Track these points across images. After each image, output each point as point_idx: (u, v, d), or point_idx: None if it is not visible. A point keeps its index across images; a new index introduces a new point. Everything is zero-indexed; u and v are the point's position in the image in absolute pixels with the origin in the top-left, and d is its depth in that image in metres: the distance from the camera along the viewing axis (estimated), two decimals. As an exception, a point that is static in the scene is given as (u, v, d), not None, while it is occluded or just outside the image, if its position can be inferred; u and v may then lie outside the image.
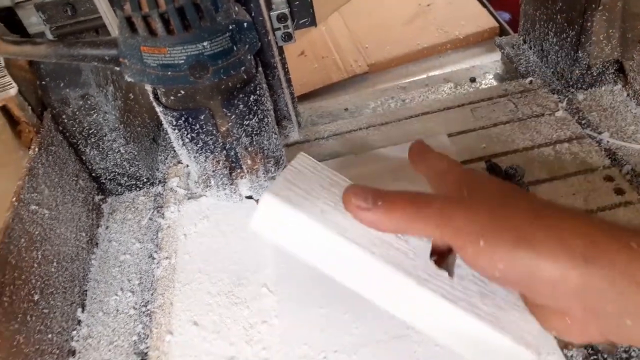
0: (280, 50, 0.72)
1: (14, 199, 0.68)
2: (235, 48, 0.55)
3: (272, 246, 0.73)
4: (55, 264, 0.73)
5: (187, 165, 0.84)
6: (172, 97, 0.57)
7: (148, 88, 0.61)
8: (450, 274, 0.43)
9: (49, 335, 0.68)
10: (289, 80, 0.75)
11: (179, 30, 0.51)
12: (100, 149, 0.85)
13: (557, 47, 0.92)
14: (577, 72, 0.88)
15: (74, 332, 0.73)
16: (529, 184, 0.76)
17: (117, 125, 0.83)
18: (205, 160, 0.62)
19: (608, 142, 0.81)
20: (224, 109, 0.57)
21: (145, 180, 0.91)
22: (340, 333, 0.62)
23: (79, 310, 0.76)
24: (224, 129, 0.59)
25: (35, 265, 0.69)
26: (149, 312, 0.72)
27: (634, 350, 0.56)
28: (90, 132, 0.83)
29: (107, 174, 0.89)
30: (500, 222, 0.38)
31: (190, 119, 0.57)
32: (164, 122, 0.61)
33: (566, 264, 0.34)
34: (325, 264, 0.45)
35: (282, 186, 0.46)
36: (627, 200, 0.72)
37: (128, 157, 0.87)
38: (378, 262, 0.42)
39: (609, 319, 0.35)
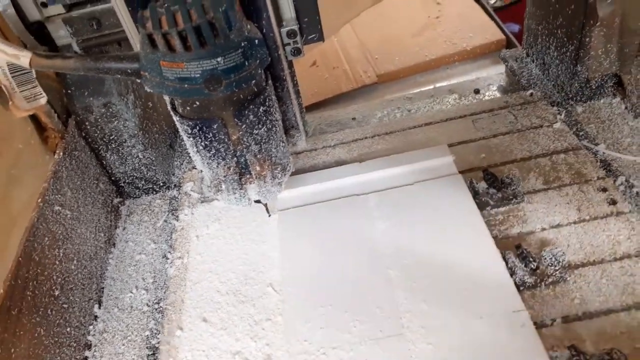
0: (290, 64, 0.76)
1: (39, 199, 0.73)
2: (246, 63, 0.59)
3: (278, 249, 0.77)
4: (75, 262, 0.78)
5: (201, 171, 0.88)
6: (187, 108, 0.62)
7: (166, 98, 0.66)
8: None
9: (68, 329, 0.72)
10: (297, 92, 0.79)
11: (196, 46, 0.55)
12: (120, 154, 0.90)
13: (557, 61, 0.95)
14: (576, 85, 0.92)
15: (91, 327, 0.77)
16: (525, 194, 0.80)
17: (136, 132, 0.88)
18: (217, 166, 0.66)
19: (604, 153, 0.84)
20: (236, 119, 0.62)
21: (161, 184, 0.96)
22: (339, 331, 0.66)
23: (96, 306, 0.80)
24: (235, 137, 0.64)
25: (57, 262, 0.74)
26: (161, 309, 0.77)
27: (615, 353, 0.59)
28: (111, 138, 0.88)
29: (125, 177, 0.94)
30: None
31: (205, 128, 0.62)
32: (180, 130, 0.65)
33: None
34: None
35: None
36: (619, 210, 0.75)
37: (146, 162, 0.92)
38: None
39: None
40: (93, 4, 0.76)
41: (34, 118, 0.78)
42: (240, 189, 0.66)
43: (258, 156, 0.66)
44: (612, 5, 0.81)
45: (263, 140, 0.66)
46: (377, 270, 0.71)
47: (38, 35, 0.77)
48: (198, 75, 0.57)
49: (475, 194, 0.79)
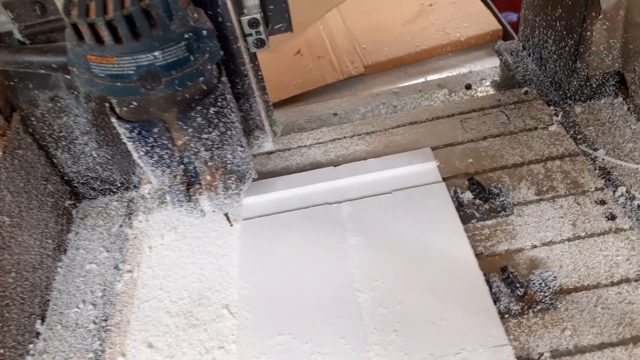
0: (253, 57, 0.68)
1: (-31, 207, 0.65)
2: (192, 58, 0.51)
3: (237, 263, 0.70)
4: (13, 273, 0.70)
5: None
6: (124, 108, 0.54)
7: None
8: None
9: (0, 351, 0.65)
10: (263, 89, 0.71)
11: (128, 39, 0.47)
12: (72, 153, 0.82)
13: (555, 56, 0.87)
14: (575, 83, 0.83)
15: (31, 346, 0.70)
16: (515, 205, 0.72)
17: (89, 128, 0.79)
18: (162, 174, 0.58)
19: (603, 160, 0.76)
20: (180, 122, 0.54)
21: (119, 184, 0.88)
22: (298, 364, 0.58)
23: (39, 322, 0.73)
24: (180, 142, 0.56)
25: (-10, 275, 0.66)
26: (108, 327, 0.69)
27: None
28: (60, 135, 0.79)
29: (79, 178, 0.86)
30: None
31: (144, 132, 0.54)
32: (119, 133, 0.57)
33: None
34: None
35: None
36: (618, 227, 0.67)
37: (101, 160, 0.84)
38: None
39: None
40: (35, -15, 0.67)
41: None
42: (188, 200, 0.58)
43: (209, 164, 0.58)
44: (617, -4, 0.72)
45: (215, 146, 0.57)
46: (345, 293, 0.63)
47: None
48: (132, 71, 0.49)
49: (460, 205, 0.71)
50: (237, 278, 0.68)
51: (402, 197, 0.73)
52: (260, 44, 0.64)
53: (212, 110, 0.55)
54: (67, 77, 0.53)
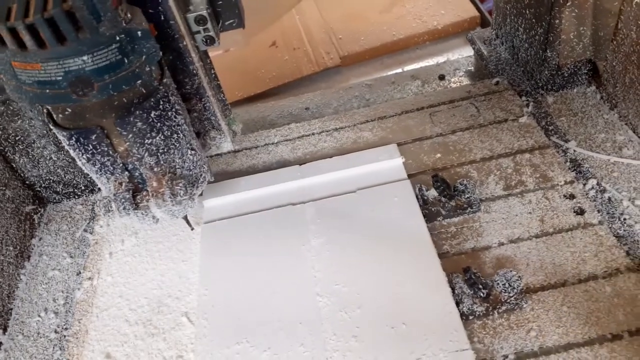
0: (204, 55, 0.65)
1: None
2: (126, 60, 0.49)
3: (198, 268, 0.68)
4: (-32, 285, 0.68)
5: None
6: (60, 115, 0.51)
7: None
8: None
9: (-45, 365, 0.63)
10: (217, 87, 0.68)
11: (52, 43, 0.45)
12: (31, 157, 0.80)
13: (526, 45, 0.84)
14: (546, 72, 0.81)
15: (-11, 358, 0.68)
16: (482, 201, 0.70)
17: (45, 131, 0.77)
18: (107, 182, 0.56)
19: (575, 151, 0.74)
20: (119, 128, 0.51)
21: (83, 187, 0.86)
22: (255, 372, 0.56)
23: (0, 332, 0.71)
24: (122, 148, 0.53)
25: (-58, 288, 0.64)
26: (67, 337, 0.67)
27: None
28: (17, 138, 0.77)
29: (41, 182, 0.84)
30: None
31: (82, 139, 0.52)
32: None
33: None
34: None
35: None
36: (586, 221, 0.65)
37: (62, 164, 0.81)
38: None
39: None
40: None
41: None
42: (135, 208, 0.56)
43: (155, 169, 0.56)
44: (585, -19, 0.70)
45: (160, 151, 0.55)
46: (305, 298, 0.61)
47: None
48: (60, 77, 0.46)
49: (425, 203, 0.69)
50: (198, 284, 0.66)
51: (367, 196, 0.71)
52: (210, 41, 0.61)
53: (153, 113, 0.53)
54: (-3, 85, 0.50)
